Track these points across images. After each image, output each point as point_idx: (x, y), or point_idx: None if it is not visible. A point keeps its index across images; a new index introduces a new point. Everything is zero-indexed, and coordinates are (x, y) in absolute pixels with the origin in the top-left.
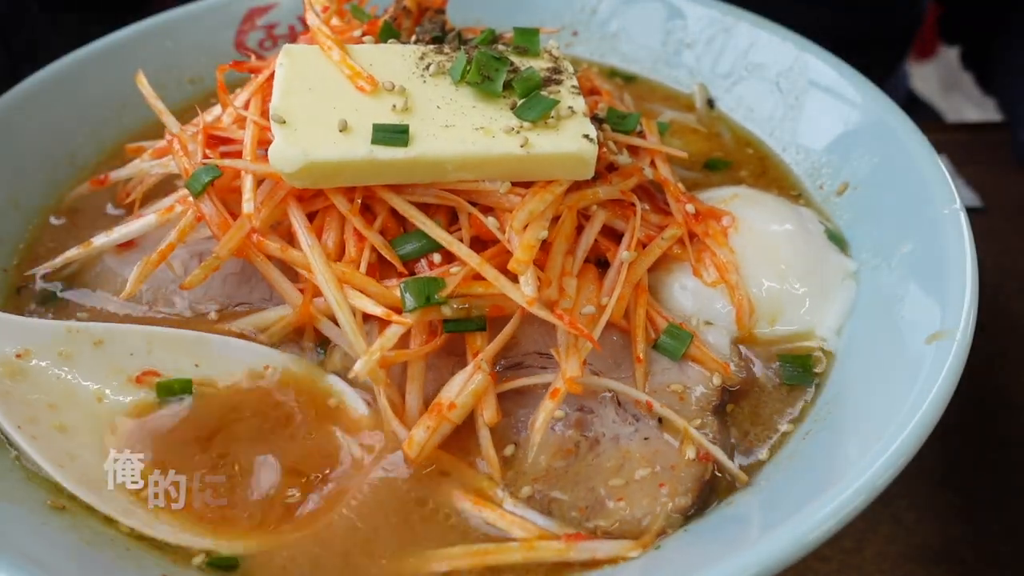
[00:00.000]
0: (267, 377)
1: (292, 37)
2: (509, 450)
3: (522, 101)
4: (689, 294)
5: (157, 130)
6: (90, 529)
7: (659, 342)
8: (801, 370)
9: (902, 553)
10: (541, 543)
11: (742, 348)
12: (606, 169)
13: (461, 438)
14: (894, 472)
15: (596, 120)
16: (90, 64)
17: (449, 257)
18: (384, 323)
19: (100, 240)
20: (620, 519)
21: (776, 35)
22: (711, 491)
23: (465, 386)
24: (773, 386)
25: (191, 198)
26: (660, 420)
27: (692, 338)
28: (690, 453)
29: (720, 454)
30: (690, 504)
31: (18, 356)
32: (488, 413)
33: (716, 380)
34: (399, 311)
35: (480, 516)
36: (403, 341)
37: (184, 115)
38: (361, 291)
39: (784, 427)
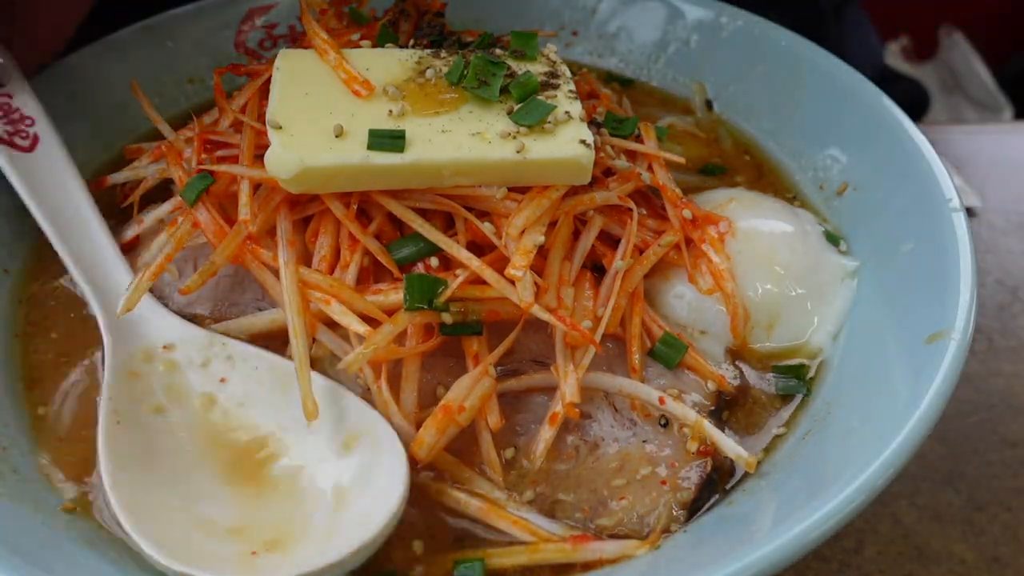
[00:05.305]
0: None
1: (292, 37)
2: (509, 453)
3: (519, 106)
4: (685, 303)
5: (158, 130)
6: (91, 529)
7: (655, 350)
8: (795, 381)
9: (902, 553)
10: (546, 545)
11: (737, 361)
12: (603, 174)
13: (457, 441)
14: (894, 472)
15: (594, 124)
16: (90, 64)
17: (446, 263)
18: (378, 321)
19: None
20: (624, 518)
21: (776, 35)
22: (711, 485)
23: (473, 389)
24: (769, 391)
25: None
26: (663, 422)
27: (687, 349)
28: (692, 448)
29: (729, 443)
30: (692, 498)
31: (164, 348)
32: (492, 418)
33: (711, 386)
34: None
35: (484, 520)
36: (400, 338)
37: (184, 116)
38: (348, 305)
39: (781, 429)
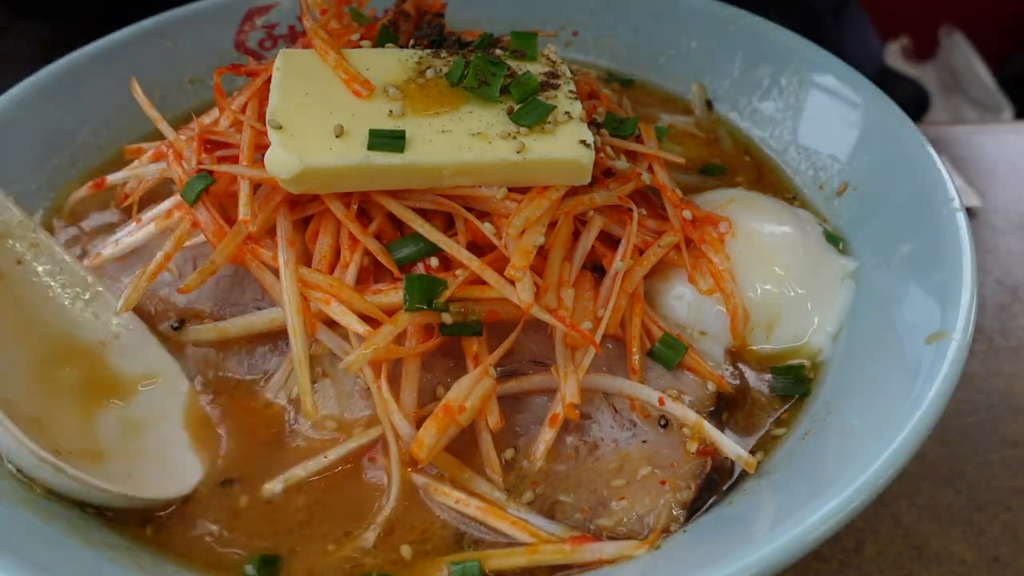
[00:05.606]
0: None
1: (292, 37)
2: (509, 454)
3: (519, 106)
4: (685, 303)
5: (158, 131)
6: (90, 529)
7: (654, 350)
8: (795, 381)
9: (902, 553)
10: (545, 547)
11: (737, 361)
12: (603, 174)
13: (456, 442)
14: (894, 472)
15: (594, 124)
16: (90, 64)
17: (445, 263)
18: (378, 321)
19: (108, 251)
20: (623, 518)
21: (776, 35)
22: (711, 485)
23: (474, 389)
24: (768, 392)
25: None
26: (663, 422)
27: (687, 350)
28: (692, 448)
29: (729, 443)
30: (692, 498)
31: None
32: (492, 418)
33: (711, 387)
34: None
35: (484, 520)
36: (400, 338)
37: (184, 116)
38: (348, 305)
39: (781, 429)
